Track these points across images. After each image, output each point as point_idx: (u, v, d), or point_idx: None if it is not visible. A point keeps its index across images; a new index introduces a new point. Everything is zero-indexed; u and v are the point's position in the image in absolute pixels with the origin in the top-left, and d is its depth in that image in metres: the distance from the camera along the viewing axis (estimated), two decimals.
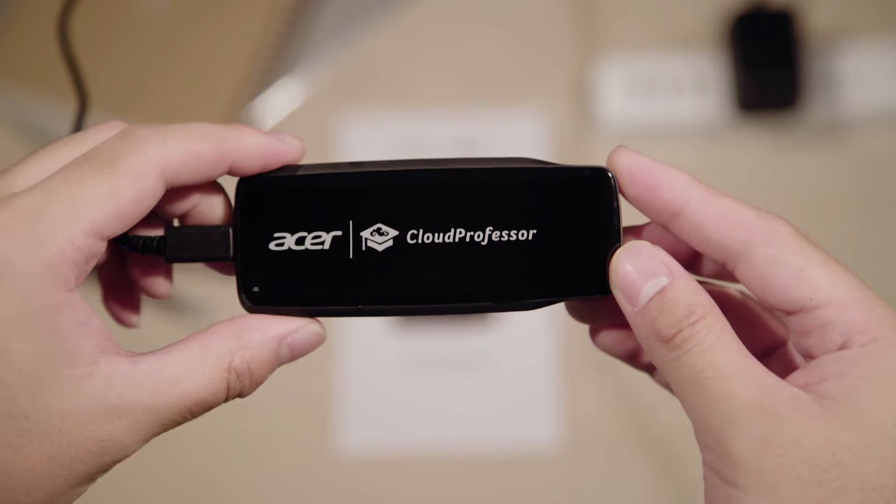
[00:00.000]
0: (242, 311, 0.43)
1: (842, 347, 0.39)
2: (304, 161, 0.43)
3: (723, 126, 0.93)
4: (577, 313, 0.48)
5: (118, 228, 0.39)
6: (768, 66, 0.92)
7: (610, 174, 0.43)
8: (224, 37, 0.98)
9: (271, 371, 0.42)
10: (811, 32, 0.93)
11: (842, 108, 0.92)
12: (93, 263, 0.39)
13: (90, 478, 0.39)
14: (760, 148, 0.94)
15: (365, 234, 0.42)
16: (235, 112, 0.96)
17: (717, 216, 0.41)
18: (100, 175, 0.38)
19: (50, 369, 0.37)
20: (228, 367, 0.41)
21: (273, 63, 0.97)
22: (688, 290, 0.40)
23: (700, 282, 0.42)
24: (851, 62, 0.93)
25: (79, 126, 0.52)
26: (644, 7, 0.98)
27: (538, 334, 0.89)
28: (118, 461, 0.39)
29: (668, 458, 0.85)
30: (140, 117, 0.95)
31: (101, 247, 0.39)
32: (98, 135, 0.41)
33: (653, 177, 0.42)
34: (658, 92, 0.93)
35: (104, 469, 0.39)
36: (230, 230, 0.42)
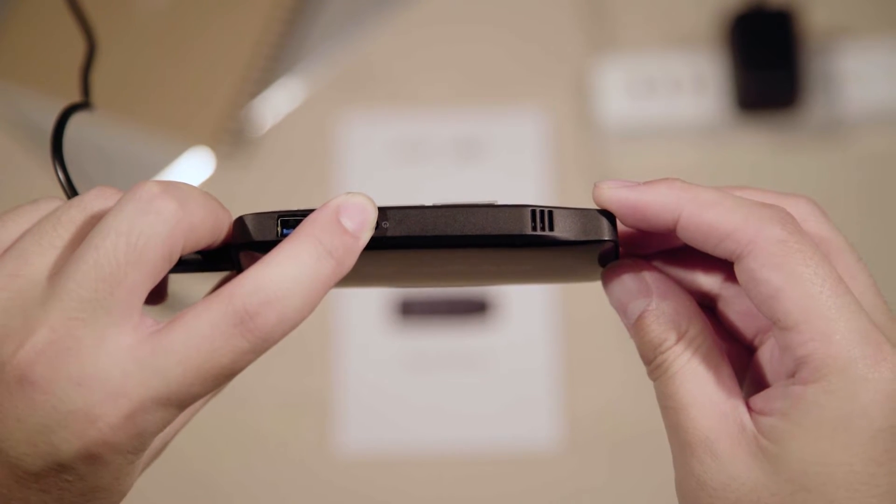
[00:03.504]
0: None
1: (793, 374, 0.39)
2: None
3: (722, 126, 0.93)
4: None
5: None
6: (768, 66, 0.92)
7: (610, 240, 0.41)
8: (224, 36, 0.98)
9: None
10: (811, 32, 0.93)
11: (841, 108, 0.92)
12: None
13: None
14: (760, 147, 0.94)
15: (368, 268, 0.42)
16: (235, 112, 0.96)
17: (704, 231, 0.40)
18: (217, 385, 0.38)
19: (140, 469, 0.40)
20: None
21: (273, 63, 0.97)
22: (664, 315, 0.41)
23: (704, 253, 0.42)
24: (851, 62, 0.93)
25: (87, 77, 0.51)
26: (644, 7, 0.98)
27: (538, 333, 0.89)
28: None
29: (668, 458, 0.85)
30: (139, 117, 0.95)
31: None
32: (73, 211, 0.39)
33: (637, 208, 0.41)
34: (658, 91, 0.93)
35: None
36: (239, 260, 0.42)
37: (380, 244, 0.40)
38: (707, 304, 0.44)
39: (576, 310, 0.89)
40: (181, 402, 0.37)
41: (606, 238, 0.41)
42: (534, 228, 0.40)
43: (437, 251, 0.41)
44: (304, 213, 0.40)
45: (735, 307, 0.44)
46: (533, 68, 0.97)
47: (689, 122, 0.93)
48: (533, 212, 0.40)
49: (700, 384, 0.40)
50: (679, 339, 0.41)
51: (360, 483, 0.88)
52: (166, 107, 0.96)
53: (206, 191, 0.40)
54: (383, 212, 0.40)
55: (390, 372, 0.90)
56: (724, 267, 0.43)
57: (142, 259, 0.37)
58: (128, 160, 0.94)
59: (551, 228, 0.40)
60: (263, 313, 0.37)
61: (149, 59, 0.98)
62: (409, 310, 0.91)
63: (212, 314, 0.37)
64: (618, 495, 0.87)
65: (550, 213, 0.40)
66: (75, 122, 0.45)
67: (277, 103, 0.97)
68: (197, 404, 0.42)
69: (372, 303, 0.90)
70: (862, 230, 0.89)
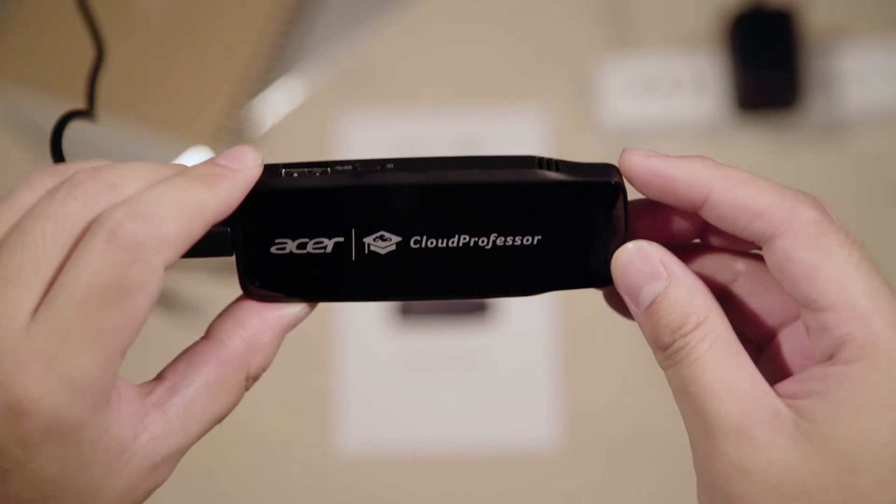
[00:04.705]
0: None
1: (831, 356, 0.38)
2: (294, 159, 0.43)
3: (722, 125, 0.93)
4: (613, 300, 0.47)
5: (138, 334, 0.39)
6: (768, 66, 0.92)
7: (618, 184, 0.41)
8: (224, 37, 0.98)
9: None
10: (811, 32, 0.93)
11: (841, 108, 0.92)
12: None
13: None
14: (760, 147, 0.94)
15: (368, 239, 0.42)
16: (235, 112, 0.96)
17: (737, 209, 0.39)
18: (114, 305, 0.36)
19: (105, 474, 0.38)
20: (246, 377, 0.42)
21: (273, 63, 0.97)
22: (684, 297, 0.40)
23: (715, 250, 0.42)
24: (851, 62, 0.93)
25: (93, 84, 0.51)
26: (644, 7, 0.98)
27: (537, 333, 0.89)
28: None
29: (667, 457, 0.85)
30: (140, 117, 0.95)
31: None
32: (26, 194, 0.39)
33: (667, 178, 0.40)
34: (658, 91, 0.93)
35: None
36: (229, 231, 0.42)
37: (384, 181, 0.41)
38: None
39: (575, 310, 0.89)
40: (90, 338, 0.36)
41: (613, 180, 0.41)
42: (540, 168, 0.41)
43: (440, 210, 0.41)
44: (308, 165, 0.41)
45: (747, 306, 0.43)
46: (533, 68, 0.97)
47: (689, 122, 0.93)
48: (540, 159, 0.41)
49: (726, 369, 0.39)
50: (700, 323, 0.39)
51: (361, 482, 0.88)
52: (167, 107, 0.96)
53: (175, 164, 0.40)
54: (389, 160, 0.41)
55: (390, 372, 0.90)
56: (737, 265, 0.43)
57: (70, 241, 0.37)
58: (128, 160, 0.94)
59: (557, 170, 0.41)
60: (128, 223, 0.36)
61: (149, 58, 0.98)
62: (410, 310, 0.91)
63: (88, 241, 0.36)
64: (617, 494, 0.87)
65: (557, 162, 0.41)
66: (76, 122, 0.45)
67: (277, 103, 0.97)
68: (194, 426, 0.40)
69: (372, 303, 0.90)
70: (862, 230, 0.89)
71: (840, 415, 0.37)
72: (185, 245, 0.38)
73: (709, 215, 0.40)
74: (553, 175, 0.41)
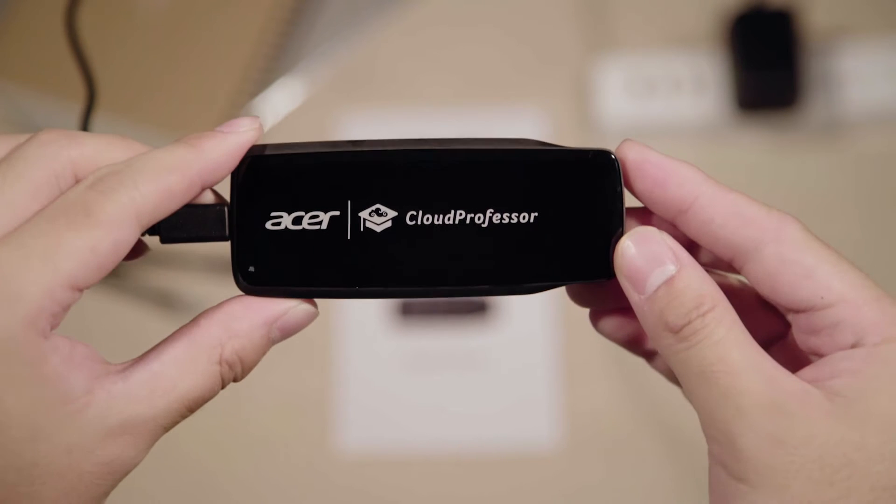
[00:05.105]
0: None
1: (853, 346, 0.39)
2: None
3: (722, 126, 0.93)
4: (578, 297, 0.47)
5: (95, 279, 0.38)
6: (768, 66, 0.92)
7: (614, 156, 0.42)
8: (224, 37, 0.98)
9: (263, 354, 0.42)
10: (811, 32, 0.93)
11: (841, 108, 0.92)
12: (68, 311, 0.39)
13: (105, 494, 0.40)
14: (760, 147, 0.94)
15: (363, 214, 0.41)
16: (235, 112, 0.96)
17: (726, 213, 0.40)
18: (76, 228, 0.37)
19: (48, 415, 0.38)
20: (219, 360, 0.41)
21: (273, 62, 0.97)
22: (697, 280, 0.40)
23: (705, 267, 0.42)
24: (851, 62, 0.93)
25: (86, 125, 0.52)
26: (644, 7, 0.98)
27: (538, 333, 0.89)
28: (128, 472, 0.40)
29: (668, 455, 0.85)
30: (139, 117, 0.95)
31: (79, 296, 0.39)
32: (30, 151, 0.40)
33: (662, 172, 0.41)
34: (658, 91, 0.93)
35: (116, 483, 0.40)
36: (225, 209, 0.42)
37: (381, 146, 0.41)
38: None
39: (575, 310, 0.89)
40: (42, 254, 0.37)
41: (611, 153, 0.42)
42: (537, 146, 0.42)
43: (436, 181, 0.41)
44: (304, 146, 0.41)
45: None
46: (533, 69, 0.97)
47: (689, 122, 0.93)
48: (537, 141, 0.42)
49: (750, 350, 0.39)
50: (715, 306, 0.39)
51: (361, 482, 0.88)
52: (167, 107, 0.96)
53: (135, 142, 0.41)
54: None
55: (390, 372, 0.90)
56: (726, 281, 0.44)
57: (21, 178, 0.38)
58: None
59: (553, 146, 0.42)
60: (109, 177, 0.38)
61: (149, 58, 0.98)
62: (409, 310, 0.91)
63: (69, 191, 0.39)
64: (617, 494, 0.87)
65: (553, 144, 0.42)
66: (75, 123, 0.45)
67: (277, 103, 0.97)
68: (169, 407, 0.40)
69: (372, 302, 0.90)
70: (861, 230, 0.89)
71: (876, 388, 0.38)
72: (163, 200, 0.39)
73: (693, 220, 0.41)
74: (548, 145, 0.42)
